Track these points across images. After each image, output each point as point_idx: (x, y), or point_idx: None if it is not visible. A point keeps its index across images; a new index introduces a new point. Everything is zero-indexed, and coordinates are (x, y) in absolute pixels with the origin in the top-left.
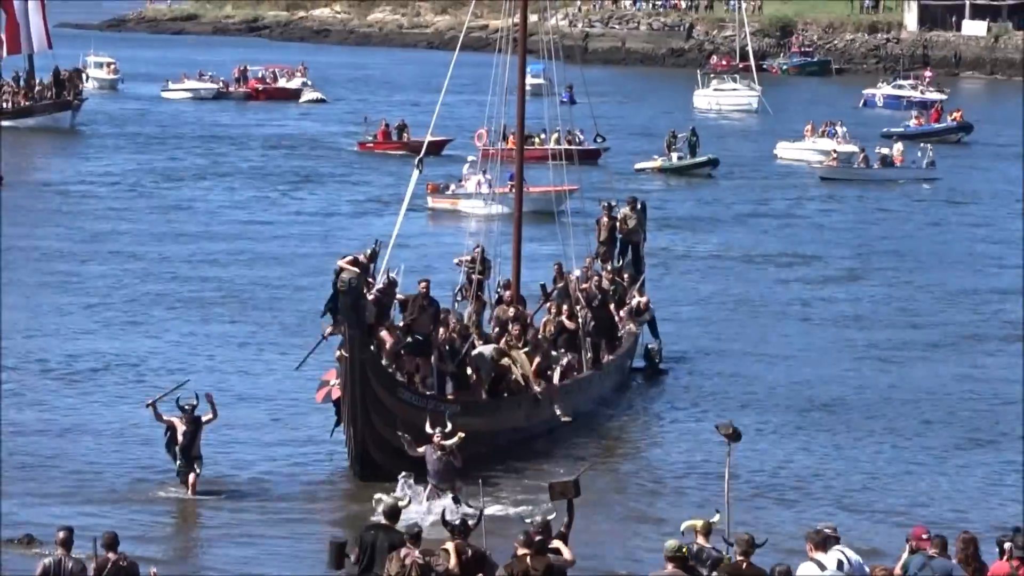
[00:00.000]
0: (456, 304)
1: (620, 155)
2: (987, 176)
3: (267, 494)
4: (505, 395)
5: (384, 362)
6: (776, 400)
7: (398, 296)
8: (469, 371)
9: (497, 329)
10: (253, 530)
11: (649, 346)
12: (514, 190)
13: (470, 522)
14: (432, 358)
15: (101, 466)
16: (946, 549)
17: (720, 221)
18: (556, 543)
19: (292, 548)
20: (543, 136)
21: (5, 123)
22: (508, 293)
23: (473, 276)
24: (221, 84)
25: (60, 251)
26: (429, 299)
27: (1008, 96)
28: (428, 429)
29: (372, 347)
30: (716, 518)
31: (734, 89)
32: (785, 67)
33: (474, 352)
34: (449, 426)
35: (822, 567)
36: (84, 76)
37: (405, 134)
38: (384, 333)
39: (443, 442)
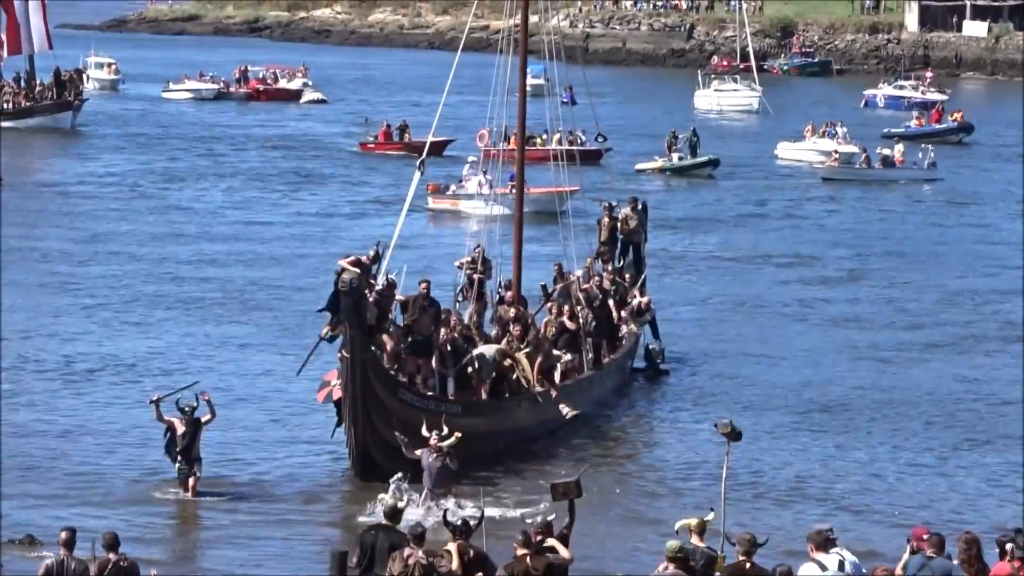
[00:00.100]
0: (457, 305)
1: (621, 156)
2: (988, 177)
3: (267, 495)
4: (506, 395)
5: (385, 364)
6: (776, 401)
7: (398, 297)
8: (470, 371)
9: (498, 329)
10: (253, 531)
11: (650, 346)
12: (515, 191)
13: (471, 523)
14: (432, 360)
15: (100, 467)
16: (943, 548)
17: (721, 221)
18: (551, 542)
19: (292, 550)
20: (545, 137)
21: (6, 124)
22: (509, 294)
23: (474, 276)
24: (222, 84)
25: (60, 252)
26: (430, 300)
27: (1009, 97)
28: (424, 432)
29: (373, 348)
30: (711, 516)
31: (735, 90)
32: (786, 68)
33: (476, 352)
34: (445, 429)
35: (823, 568)
36: (85, 77)
37: (406, 134)
38: (385, 336)
39: (440, 444)
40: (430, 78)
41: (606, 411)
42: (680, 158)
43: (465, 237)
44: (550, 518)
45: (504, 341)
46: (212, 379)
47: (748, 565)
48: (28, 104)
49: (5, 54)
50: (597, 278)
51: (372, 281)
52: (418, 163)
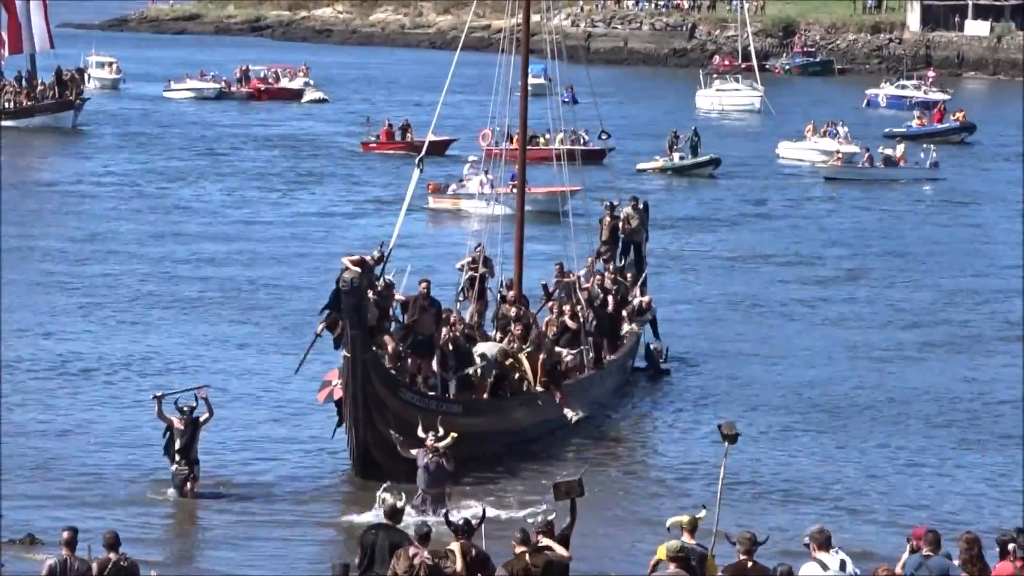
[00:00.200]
0: (458, 304)
1: (622, 155)
2: (989, 177)
3: (267, 495)
4: (508, 395)
5: (387, 364)
6: (777, 401)
7: (398, 297)
8: (471, 371)
9: (498, 329)
10: (252, 532)
11: (652, 346)
12: (516, 190)
13: (473, 522)
14: (433, 362)
15: (99, 468)
16: (939, 545)
17: (722, 221)
18: (546, 541)
19: (292, 551)
20: (548, 136)
21: (7, 123)
22: (511, 293)
23: (475, 276)
24: (223, 84)
25: (59, 250)
26: (430, 299)
27: (1011, 96)
28: (420, 433)
29: (374, 348)
30: (703, 514)
31: (736, 89)
32: (788, 67)
33: (477, 351)
34: (441, 430)
35: (824, 567)
36: (86, 76)
37: (408, 134)
38: (386, 337)
39: (436, 444)
40: (432, 77)
41: (607, 411)
42: (681, 158)
43: (466, 237)
44: (551, 517)
45: (505, 341)
46: (211, 379)
47: (750, 564)
48: (29, 103)
49: (6, 53)
50: (598, 277)
51: (377, 283)
52: (417, 161)
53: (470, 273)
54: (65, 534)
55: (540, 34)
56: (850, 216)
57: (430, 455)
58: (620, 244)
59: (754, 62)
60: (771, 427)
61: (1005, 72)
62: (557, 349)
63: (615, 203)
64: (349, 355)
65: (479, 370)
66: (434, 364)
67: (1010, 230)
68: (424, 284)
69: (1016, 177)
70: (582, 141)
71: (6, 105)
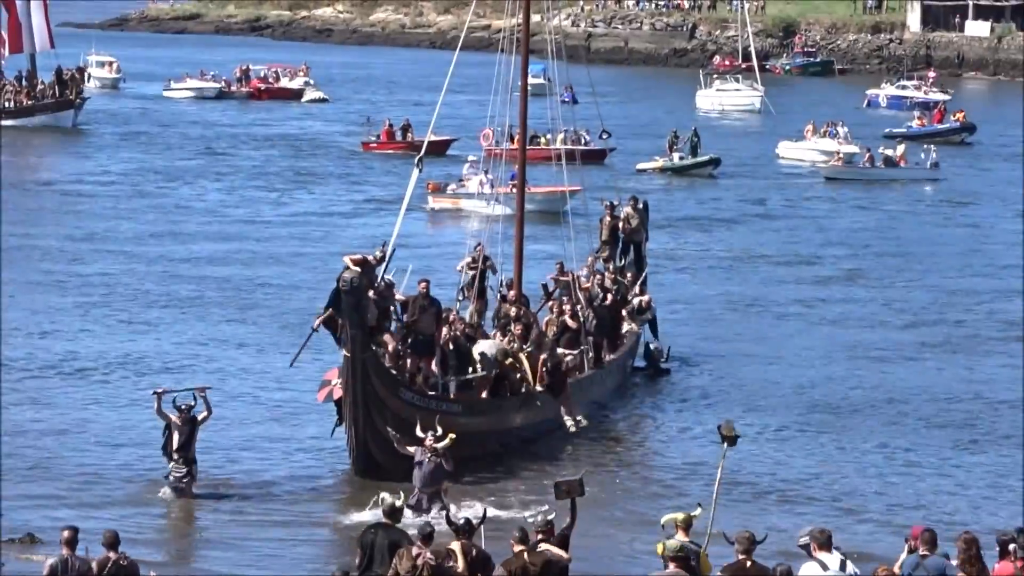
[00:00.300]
0: (458, 304)
1: (622, 155)
2: (990, 177)
3: (266, 495)
4: (508, 395)
5: (387, 363)
6: (776, 401)
7: (398, 297)
8: (473, 377)
9: (498, 329)
10: (251, 532)
11: (651, 346)
12: (515, 190)
13: (474, 521)
14: (432, 363)
15: (97, 468)
16: (936, 544)
17: (722, 221)
18: (544, 546)
19: (292, 550)
20: (549, 136)
21: (7, 122)
22: (512, 293)
23: (474, 275)
24: (223, 83)
25: (59, 250)
26: (430, 299)
27: (1011, 97)
28: (419, 433)
29: (374, 347)
30: (698, 511)
31: (737, 89)
32: (788, 67)
33: (477, 350)
34: (439, 430)
35: (825, 567)
36: (87, 75)
37: (409, 134)
38: (387, 336)
39: (435, 445)
40: (432, 77)
41: (607, 410)
42: (681, 158)
43: (465, 236)
44: (551, 517)
45: (506, 340)
46: (209, 378)
47: (749, 564)
48: (29, 103)
49: (7, 52)
50: (599, 277)
51: (378, 283)
52: (416, 161)
53: (470, 271)
54: (65, 533)
55: (540, 34)
56: (850, 216)
57: (428, 455)
58: (620, 244)
59: (754, 62)
60: (770, 427)
61: (1005, 72)
62: (560, 351)
63: (615, 203)
64: (349, 354)
65: (479, 368)
66: (434, 365)
67: (1010, 230)
68: (423, 284)
69: (1016, 177)
70: (583, 141)
71: (6, 104)
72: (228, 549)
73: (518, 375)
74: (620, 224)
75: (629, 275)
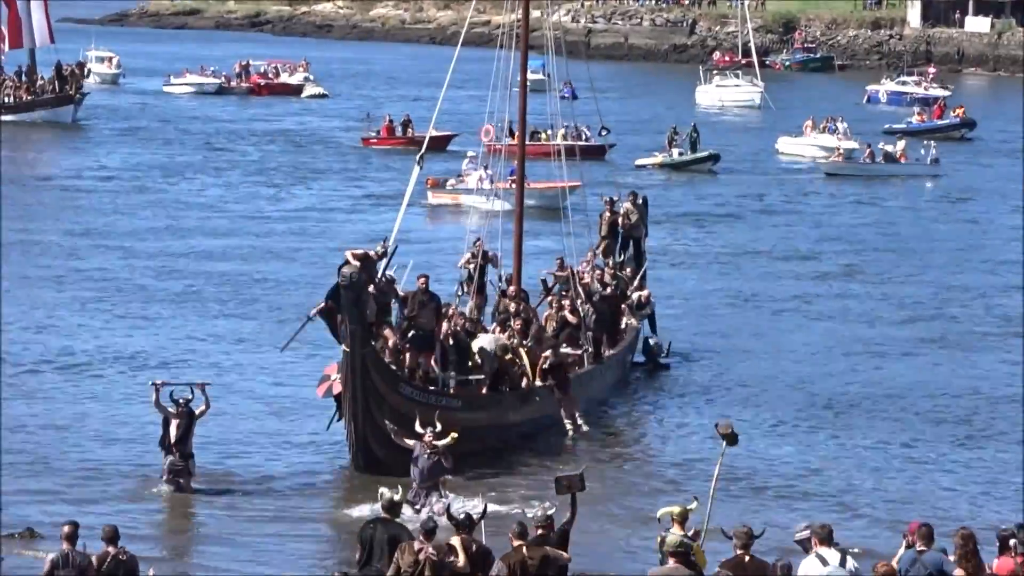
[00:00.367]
0: (457, 299)
1: (621, 151)
2: (990, 173)
3: (265, 490)
4: (507, 390)
5: (387, 358)
6: (775, 396)
7: (399, 292)
8: (471, 364)
9: (498, 324)
10: (250, 527)
11: (651, 341)
12: (515, 185)
13: (475, 516)
14: (431, 360)
15: (95, 463)
16: (932, 539)
17: (721, 217)
18: (547, 550)
19: (291, 545)
20: (549, 132)
21: (7, 117)
22: (512, 288)
23: (474, 271)
24: (223, 79)
25: (59, 245)
26: (429, 294)
27: (1011, 93)
28: (419, 428)
29: (376, 344)
30: (693, 505)
31: (737, 85)
32: (788, 63)
33: (476, 345)
34: (439, 426)
35: (825, 562)
36: (87, 71)
37: (409, 129)
38: (387, 331)
39: (435, 442)
40: (432, 73)
41: (606, 406)
42: (680, 153)
43: (464, 232)
44: (550, 512)
45: (506, 336)
46: (208, 373)
47: (747, 558)
48: (29, 98)
49: (6, 48)
50: (598, 272)
51: (381, 279)
52: (417, 158)
53: (470, 267)
54: (66, 528)
55: (540, 30)
56: (850, 212)
57: (427, 451)
58: (619, 239)
59: (754, 58)
60: (768, 422)
61: (1005, 68)
62: (564, 350)
63: (614, 198)
64: (348, 350)
65: (478, 361)
66: (432, 361)
67: (1010, 226)
68: (423, 279)
69: (1016, 173)
70: (584, 137)
71: (6, 100)
72: (226, 544)
73: (517, 370)
74: (619, 220)
75: (628, 270)
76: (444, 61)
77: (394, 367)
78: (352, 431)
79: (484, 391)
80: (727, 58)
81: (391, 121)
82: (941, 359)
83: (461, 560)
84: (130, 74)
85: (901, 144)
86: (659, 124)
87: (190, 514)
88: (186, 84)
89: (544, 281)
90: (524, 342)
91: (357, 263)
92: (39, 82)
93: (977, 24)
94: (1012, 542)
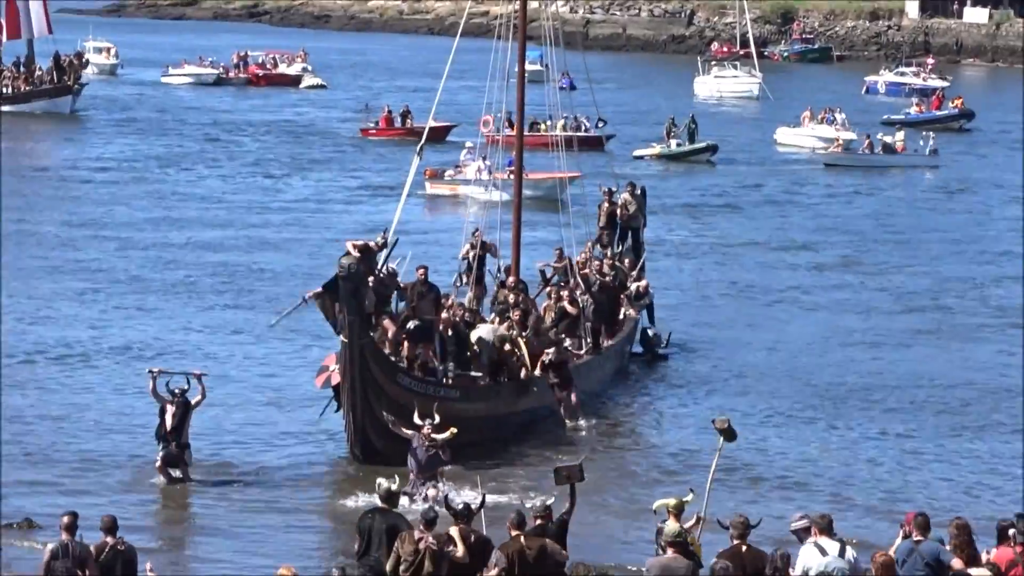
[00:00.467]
0: (456, 289)
1: (619, 142)
2: (989, 164)
3: (263, 481)
4: (506, 380)
5: (387, 349)
6: (773, 387)
7: (401, 285)
8: (469, 355)
9: (496, 314)
10: (247, 518)
11: (649, 331)
12: (513, 176)
13: (473, 506)
14: (430, 350)
15: (92, 454)
16: (929, 528)
17: (719, 207)
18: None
19: (289, 536)
20: (548, 123)
21: (5, 108)
22: (511, 279)
23: (472, 262)
24: (221, 70)
25: (56, 236)
26: (428, 285)
27: (1009, 83)
28: (417, 420)
29: (374, 335)
30: (689, 497)
31: (735, 76)
32: (786, 54)
33: (475, 335)
34: (437, 418)
35: (823, 551)
36: (85, 61)
37: (408, 120)
38: (386, 322)
39: (434, 435)
40: (430, 63)
41: (604, 397)
42: (678, 144)
43: (463, 222)
44: (549, 502)
45: (505, 327)
46: (207, 364)
47: (744, 548)
48: (27, 88)
49: (4, 38)
50: (597, 263)
51: (381, 272)
52: (418, 148)
53: (470, 256)
54: (65, 519)
55: (538, 20)
56: (849, 203)
57: (425, 444)
58: (618, 230)
59: (752, 49)
60: (765, 413)
61: (1004, 59)
62: (567, 345)
63: (613, 189)
64: (346, 340)
65: (477, 350)
66: (431, 351)
67: (1008, 216)
68: (422, 270)
69: (1014, 164)
70: (583, 128)
71: (4, 90)
72: (223, 535)
73: (516, 361)
74: (618, 210)
75: (627, 261)
76: (442, 52)
77: (394, 358)
78: (350, 422)
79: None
80: (725, 49)
81: (390, 112)
82: (938, 350)
83: (460, 551)
84: (128, 65)
85: (900, 135)
86: (657, 115)
87: (186, 505)
88: (184, 75)
89: (543, 272)
90: (523, 333)
91: (357, 254)
92: (37, 73)
93: (975, 15)
94: (1011, 532)
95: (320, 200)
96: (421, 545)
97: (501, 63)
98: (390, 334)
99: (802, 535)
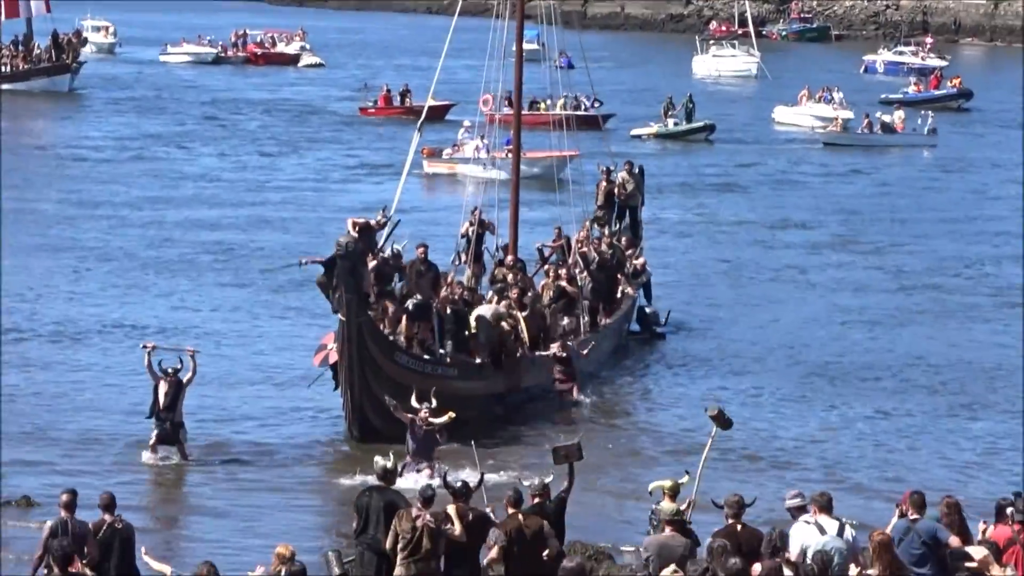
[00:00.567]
0: (455, 268)
1: (617, 121)
2: (987, 143)
3: (260, 460)
4: (503, 358)
5: (386, 330)
6: (770, 366)
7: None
8: (468, 334)
9: (494, 293)
10: (244, 497)
11: (647, 310)
12: (511, 155)
13: (472, 484)
14: (432, 323)
15: (87, 433)
16: (924, 507)
17: (717, 186)
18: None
19: (286, 516)
20: (548, 102)
21: (3, 86)
22: (509, 258)
23: (471, 238)
24: (220, 48)
25: (54, 214)
26: (428, 263)
27: (1008, 63)
28: (414, 403)
29: (376, 315)
30: (684, 479)
31: (733, 55)
32: (784, 33)
33: (474, 314)
34: (434, 402)
35: (822, 530)
36: (84, 40)
37: (407, 99)
38: (387, 301)
39: (431, 419)
40: (429, 42)
41: (602, 376)
42: (675, 123)
43: (461, 201)
44: (547, 480)
45: (503, 305)
46: (204, 342)
47: (739, 527)
48: (26, 67)
49: (3, 17)
50: (595, 242)
51: (382, 252)
52: (418, 125)
53: (469, 233)
54: (64, 496)
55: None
56: (848, 182)
57: (424, 428)
58: (616, 208)
59: (751, 28)
60: (761, 392)
61: (1002, 39)
62: (569, 343)
63: (611, 167)
64: (344, 319)
65: (475, 330)
66: (431, 330)
67: (1008, 196)
68: (422, 249)
69: (1013, 144)
70: (583, 107)
71: (3, 69)
72: (219, 515)
73: (513, 337)
74: (616, 189)
75: (624, 240)
76: (440, 31)
77: (392, 337)
78: (348, 400)
79: (478, 359)
80: (724, 28)
81: (388, 91)
82: (935, 329)
83: (457, 529)
84: (126, 43)
85: (900, 113)
86: (655, 94)
87: (181, 484)
88: (183, 53)
89: (540, 250)
90: (522, 313)
91: (355, 233)
92: (36, 51)
93: None
94: (1009, 511)
95: (318, 179)
96: (419, 523)
97: (499, 42)
98: (390, 312)
99: (795, 513)
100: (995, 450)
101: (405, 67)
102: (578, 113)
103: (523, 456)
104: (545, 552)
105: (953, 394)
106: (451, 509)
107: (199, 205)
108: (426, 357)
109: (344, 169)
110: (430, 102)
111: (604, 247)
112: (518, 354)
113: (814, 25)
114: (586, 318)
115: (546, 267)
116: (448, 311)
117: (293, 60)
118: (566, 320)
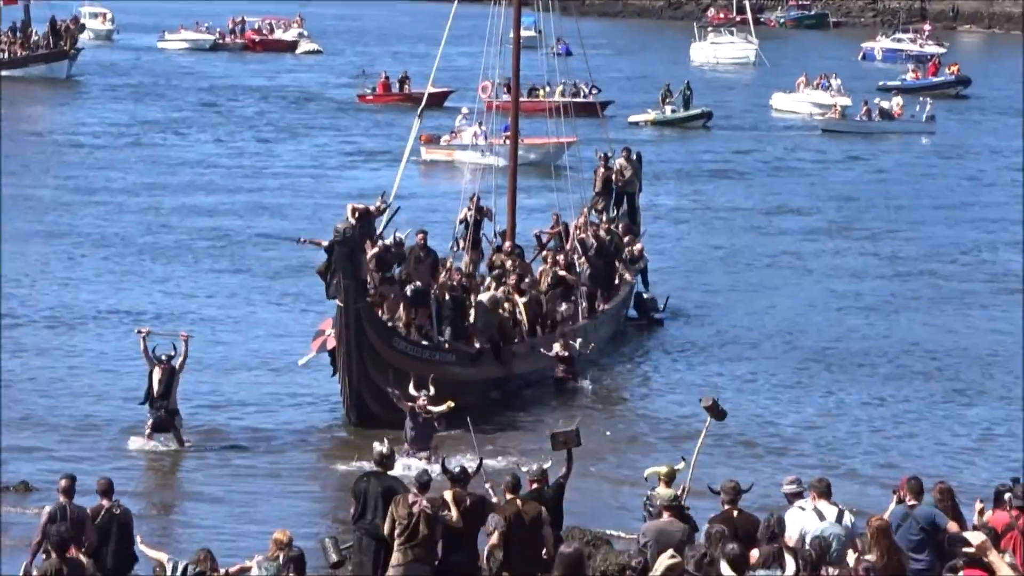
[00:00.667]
0: (453, 254)
1: (614, 107)
2: (985, 130)
3: (258, 446)
4: (501, 343)
5: (385, 316)
6: (767, 352)
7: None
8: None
9: (492, 279)
10: (240, 483)
11: (644, 296)
12: (509, 141)
13: (469, 470)
14: (430, 309)
15: (83, 418)
16: (922, 493)
17: (715, 173)
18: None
19: (283, 502)
20: (547, 89)
21: (1, 73)
22: (507, 244)
23: (469, 223)
24: (217, 35)
25: (52, 200)
26: (427, 250)
27: (1006, 50)
28: (412, 391)
29: (374, 300)
30: (680, 465)
31: (731, 42)
32: (782, 20)
33: (473, 300)
34: (432, 390)
35: (821, 516)
36: (82, 26)
37: (406, 86)
38: (385, 287)
39: (430, 408)
40: (427, 29)
41: (600, 361)
42: (673, 110)
43: (459, 188)
44: (546, 466)
45: (501, 291)
46: (201, 328)
47: (736, 513)
48: (24, 53)
49: (1, 3)
50: (593, 227)
51: (383, 239)
52: (419, 112)
53: (468, 219)
54: (63, 482)
55: None
56: (846, 168)
57: (422, 416)
58: (613, 195)
59: (749, 15)
60: (759, 378)
61: (1000, 26)
62: (561, 309)
63: (608, 154)
64: (342, 304)
65: (473, 316)
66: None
67: (1006, 183)
68: (421, 235)
69: (1011, 131)
70: (581, 94)
71: (1, 55)
72: (215, 501)
73: (512, 324)
74: (613, 176)
75: (621, 226)
76: (438, 17)
77: (391, 323)
78: (346, 386)
79: (477, 345)
80: (722, 15)
81: (387, 78)
82: (933, 315)
83: (453, 515)
84: (124, 30)
85: (898, 100)
86: (653, 81)
87: (178, 470)
88: (180, 40)
89: (538, 236)
90: (521, 299)
91: (353, 219)
92: (34, 38)
93: None
94: (1007, 496)
95: (315, 166)
96: (415, 508)
97: (497, 29)
98: (390, 298)
99: (791, 499)
100: (991, 436)
101: (403, 54)
102: (576, 100)
103: (521, 442)
104: (544, 551)
105: (949, 380)
106: (448, 495)
107: (196, 191)
108: (424, 343)
109: (341, 156)
110: (430, 89)
111: (602, 233)
112: (516, 340)
113: (812, 12)
114: (584, 304)
115: (544, 253)
116: (446, 297)
117: (291, 47)
118: (564, 306)
